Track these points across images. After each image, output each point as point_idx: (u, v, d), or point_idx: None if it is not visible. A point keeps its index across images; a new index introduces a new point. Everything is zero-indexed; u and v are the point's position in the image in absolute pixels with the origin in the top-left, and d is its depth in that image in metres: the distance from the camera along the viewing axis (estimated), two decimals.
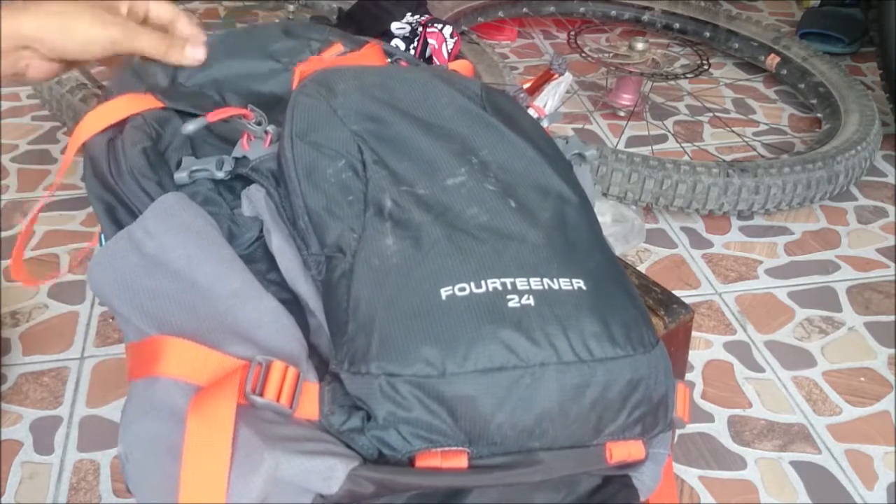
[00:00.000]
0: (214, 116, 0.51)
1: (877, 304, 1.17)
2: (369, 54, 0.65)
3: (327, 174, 0.49)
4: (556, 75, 0.70)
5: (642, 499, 0.48)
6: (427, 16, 1.39)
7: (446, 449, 0.42)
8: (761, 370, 1.05)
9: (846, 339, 1.11)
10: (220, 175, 0.53)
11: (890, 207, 1.38)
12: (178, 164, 0.54)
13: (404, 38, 1.37)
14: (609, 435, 0.45)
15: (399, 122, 0.52)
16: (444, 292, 0.43)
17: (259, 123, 0.53)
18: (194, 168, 0.53)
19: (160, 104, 0.58)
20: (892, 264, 1.25)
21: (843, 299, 1.18)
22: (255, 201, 0.51)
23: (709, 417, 0.98)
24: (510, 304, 0.43)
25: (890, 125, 1.56)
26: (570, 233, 0.49)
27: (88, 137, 0.56)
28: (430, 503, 0.44)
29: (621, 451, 0.46)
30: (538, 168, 0.52)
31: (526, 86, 0.69)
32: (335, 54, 0.64)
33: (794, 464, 0.93)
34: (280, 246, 0.49)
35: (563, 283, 0.45)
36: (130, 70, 0.63)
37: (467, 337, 0.42)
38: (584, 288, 0.46)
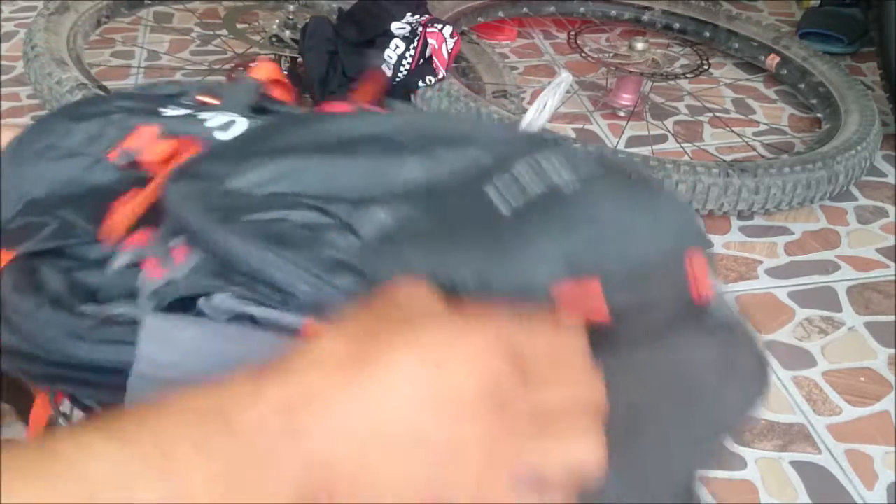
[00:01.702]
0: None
1: (877, 304, 1.17)
2: (186, 146, 0.57)
3: (296, 235, 0.45)
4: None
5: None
6: (427, 16, 1.39)
7: None
8: None
9: (846, 339, 1.11)
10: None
11: (890, 207, 1.38)
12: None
13: (404, 38, 1.37)
14: None
15: (308, 162, 0.48)
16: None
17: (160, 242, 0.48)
18: (112, 314, 0.47)
19: (8, 254, 0.51)
20: (892, 264, 1.25)
21: (843, 299, 1.18)
22: (227, 307, 0.46)
23: None
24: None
25: (890, 125, 1.56)
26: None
27: None
28: None
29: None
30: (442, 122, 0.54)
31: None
32: (148, 139, 0.56)
33: (794, 464, 0.93)
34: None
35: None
36: None
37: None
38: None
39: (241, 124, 0.57)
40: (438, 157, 0.49)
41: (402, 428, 0.31)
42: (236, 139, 0.55)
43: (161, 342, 0.44)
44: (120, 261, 0.48)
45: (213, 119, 0.58)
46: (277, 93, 0.63)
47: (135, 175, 0.56)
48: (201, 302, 0.46)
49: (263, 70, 0.63)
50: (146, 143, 0.56)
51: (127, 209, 0.51)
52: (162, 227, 0.49)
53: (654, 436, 0.43)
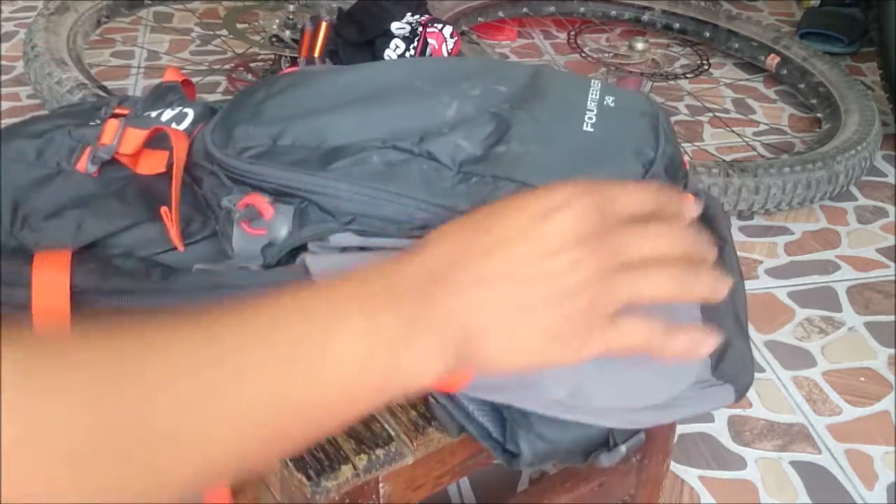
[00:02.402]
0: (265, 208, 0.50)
1: (877, 303, 1.17)
2: (177, 142, 0.59)
3: (390, 172, 0.50)
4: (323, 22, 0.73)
5: None
6: (427, 15, 1.39)
7: None
8: (761, 370, 1.05)
9: (846, 339, 1.11)
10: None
11: (890, 207, 1.38)
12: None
13: (404, 38, 1.36)
14: None
15: (344, 115, 0.53)
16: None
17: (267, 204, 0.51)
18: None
19: (58, 254, 0.53)
20: (892, 264, 1.25)
21: (843, 299, 1.18)
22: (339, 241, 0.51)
23: (709, 417, 0.98)
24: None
25: (890, 125, 1.56)
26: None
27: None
28: None
29: None
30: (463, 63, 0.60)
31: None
32: (118, 131, 0.59)
33: (794, 464, 0.93)
34: None
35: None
36: None
37: None
38: None
39: (189, 113, 0.61)
40: (466, 93, 0.55)
41: (523, 267, 0.39)
42: (230, 110, 0.56)
43: (329, 265, 0.49)
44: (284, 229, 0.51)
45: (165, 113, 0.62)
46: (187, 91, 0.67)
47: (111, 178, 0.58)
48: (312, 245, 0.51)
49: (171, 74, 0.67)
50: (118, 135, 0.59)
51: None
52: (225, 197, 0.52)
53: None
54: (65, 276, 0.51)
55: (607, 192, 0.41)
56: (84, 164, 0.59)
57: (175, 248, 0.54)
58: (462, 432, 0.54)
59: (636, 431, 0.54)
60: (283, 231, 0.49)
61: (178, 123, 0.60)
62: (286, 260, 0.52)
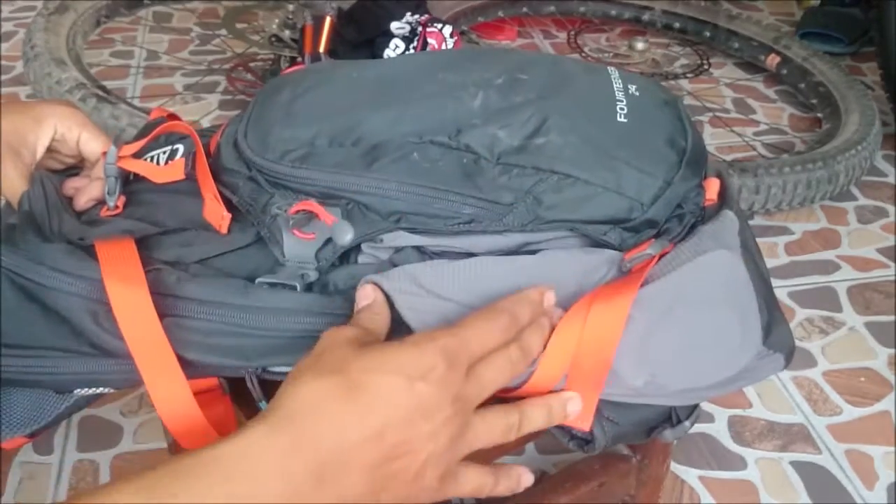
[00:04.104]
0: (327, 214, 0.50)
1: (877, 304, 1.17)
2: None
3: (434, 169, 0.50)
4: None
5: None
6: (427, 15, 1.39)
7: None
8: None
9: (846, 340, 1.11)
10: (313, 276, 0.51)
11: (890, 207, 1.38)
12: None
13: (404, 38, 1.36)
14: None
15: (370, 114, 0.53)
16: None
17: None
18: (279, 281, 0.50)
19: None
20: (892, 264, 1.24)
21: (844, 299, 1.17)
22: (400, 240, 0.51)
23: (709, 418, 0.98)
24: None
25: (890, 125, 1.56)
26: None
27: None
28: None
29: None
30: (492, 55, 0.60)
31: None
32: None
33: (794, 464, 0.93)
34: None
35: None
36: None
37: None
38: None
39: (180, 148, 0.59)
40: (489, 82, 0.54)
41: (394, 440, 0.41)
42: (259, 112, 0.56)
43: (406, 280, 0.48)
44: (349, 235, 0.51)
45: (158, 153, 0.61)
46: (179, 127, 0.65)
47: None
48: (365, 247, 0.51)
49: (157, 113, 0.66)
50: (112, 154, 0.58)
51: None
52: (273, 205, 0.52)
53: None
54: (137, 265, 0.50)
55: (462, 342, 0.43)
56: (105, 210, 0.57)
57: (225, 253, 0.53)
58: None
59: (696, 406, 0.55)
60: (347, 237, 0.49)
61: (172, 158, 0.59)
62: (338, 263, 0.51)
